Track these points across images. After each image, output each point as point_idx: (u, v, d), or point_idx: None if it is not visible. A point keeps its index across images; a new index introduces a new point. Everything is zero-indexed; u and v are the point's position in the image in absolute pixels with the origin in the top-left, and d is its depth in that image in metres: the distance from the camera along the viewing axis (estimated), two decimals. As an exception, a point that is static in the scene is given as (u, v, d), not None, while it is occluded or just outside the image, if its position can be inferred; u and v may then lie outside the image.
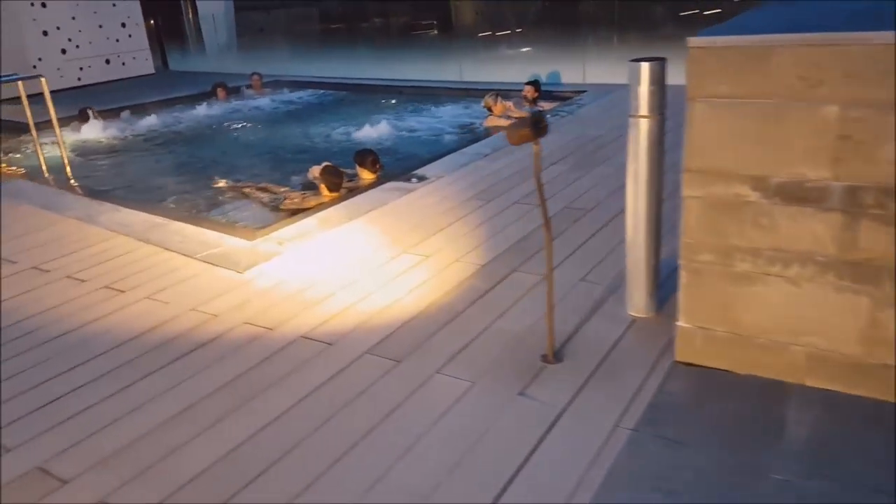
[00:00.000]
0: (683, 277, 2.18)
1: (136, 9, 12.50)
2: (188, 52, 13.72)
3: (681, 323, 2.21)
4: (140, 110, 8.67)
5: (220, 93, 9.45)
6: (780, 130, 1.96)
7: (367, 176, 5.12)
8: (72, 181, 5.45)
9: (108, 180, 5.90)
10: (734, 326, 2.14)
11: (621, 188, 4.12)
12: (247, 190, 5.36)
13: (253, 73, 10.03)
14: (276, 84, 10.17)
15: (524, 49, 10.72)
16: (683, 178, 2.09)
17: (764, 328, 2.10)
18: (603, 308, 2.65)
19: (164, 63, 13.36)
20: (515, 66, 9.52)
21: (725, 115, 2.02)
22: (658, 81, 2.34)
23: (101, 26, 11.98)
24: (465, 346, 2.45)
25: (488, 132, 6.44)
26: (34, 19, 11.12)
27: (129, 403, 2.26)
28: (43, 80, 5.65)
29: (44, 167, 5.72)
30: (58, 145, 5.68)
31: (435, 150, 5.91)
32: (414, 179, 4.75)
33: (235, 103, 9.20)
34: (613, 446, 1.84)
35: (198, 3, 13.72)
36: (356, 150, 5.42)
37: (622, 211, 3.68)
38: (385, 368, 2.35)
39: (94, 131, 7.63)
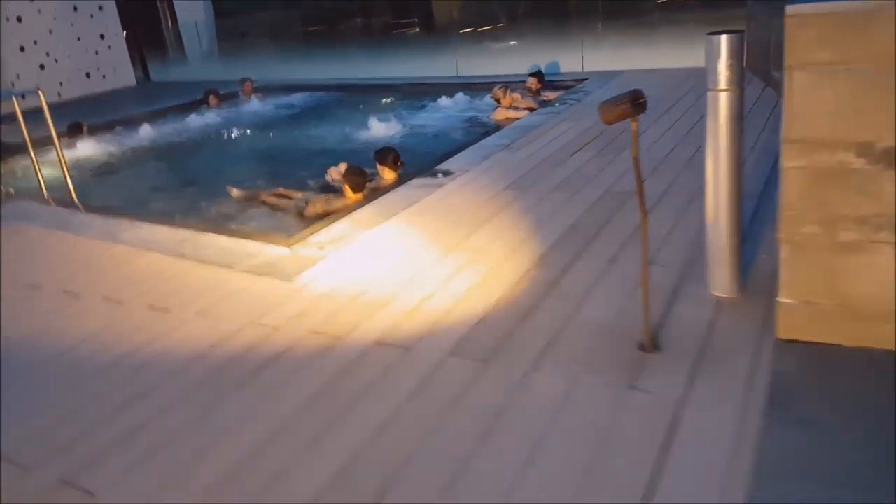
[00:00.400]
0: (784, 252, 2.09)
1: (115, 20, 12.17)
2: (169, 61, 13.40)
3: (782, 299, 2.13)
4: (132, 123, 8.40)
5: (212, 100, 9.22)
6: (883, 95, 1.89)
7: (388, 174, 4.98)
8: (77, 200, 5.23)
9: (114, 196, 5.69)
10: (841, 298, 2.07)
11: (655, 171, 4.12)
12: (264, 197, 5.19)
13: (244, 79, 9.80)
14: (268, 89, 9.95)
15: (513, 42, 10.64)
16: (783, 150, 2.01)
17: (873, 297, 2.03)
18: (683, 291, 2.56)
19: (146, 74, 13.03)
20: (509, 58, 9.43)
21: (827, 83, 1.94)
22: (737, 54, 2.25)
23: (79, 39, 11.65)
24: (552, 341, 2.35)
25: (497, 124, 6.34)
26: (11, 35, 10.75)
27: (215, 429, 2.12)
28: (41, 92, 5.41)
29: (43, 187, 5.49)
30: (54, 163, 5.45)
31: (449, 145, 5.80)
32: (440, 175, 4.63)
33: (229, 110, 8.97)
34: (749, 434, 1.75)
35: (177, 10, 13.40)
36: (367, 149, 5.29)
37: (666, 193, 3.66)
38: (475, 370, 2.24)
39: (88, 147, 7.37)
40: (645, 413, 1.91)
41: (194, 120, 8.43)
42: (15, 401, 2.43)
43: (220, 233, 3.93)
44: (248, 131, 7.85)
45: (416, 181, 4.53)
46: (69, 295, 3.29)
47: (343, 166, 5.25)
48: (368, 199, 4.39)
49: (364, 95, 9.22)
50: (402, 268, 3.13)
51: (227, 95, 9.50)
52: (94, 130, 7.93)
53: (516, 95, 6.74)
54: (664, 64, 7.36)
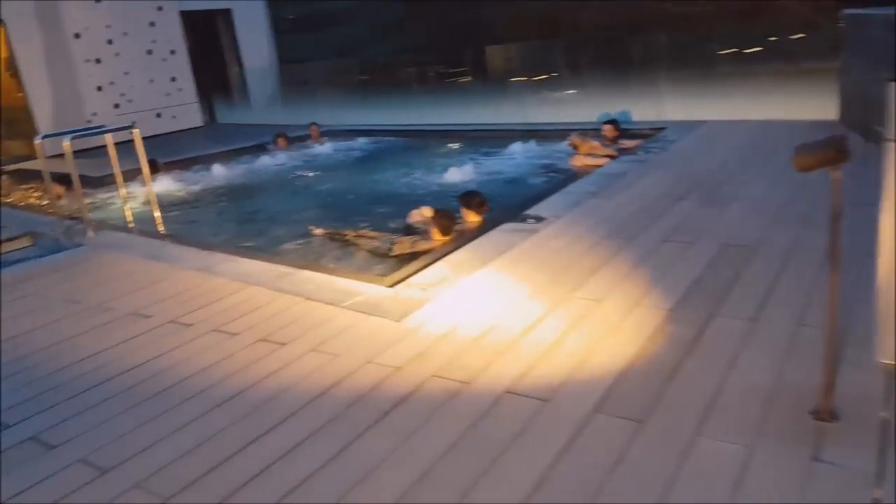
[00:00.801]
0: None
1: (186, 64, 12.71)
2: (234, 105, 13.88)
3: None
4: (205, 162, 8.64)
5: (281, 142, 9.44)
6: None
7: (472, 218, 4.95)
8: (162, 232, 5.32)
9: (197, 231, 5.77)
10: None
11: (773, 224, 3.96)
12: (347, 237, 5.19)
13: (311, 123, 10.05)
14: (332, 133, 10.17)
15: (572, 91, 10.77)
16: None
17: None
18: (845, 356, 2.38)
19: (212, 116, 13.49)
20: (575, 107, 9.49)
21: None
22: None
23: (152, 81, 12.16)
24: (710, 403, 2.19)
25: (577, 171, 6.29)
26: (89, 75, 11.30)
27: (358, 468, 2.02)
28: (136, 131, 5.60)
29: (129, 219, 5.62)
30: (132, 198, 5.57)
31: (528, 190, 5.77)
32: (530, 220, 4.56)
33: (298, 152, 9.17)
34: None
35: (244, 57, 13.97)
36: (441, 193, 5.29)
37: (792, 249, 3.49)
38: (630, 430, 2.10)
39: (164, 184, 7.57)
40: (842, 490, 1.73)
41: (265, 161, 8.62)
42: (141, 427, 2.38)
43: (316, 270, 3.92)
44: (319, 173, 7.98)
45: (506, 226, 4.47)
46: (178, 325, 3.27)
47: (426, 209, 5.26)
48: (455, 242, 4.34)
49: (427, 140, 9.34)
50: (515, 314, 3.04)
51: (294, 138, 9.72)
52: (168, 168, 8.15)
53: (595, 143, 6.71)
54: (742, 116, 7.27)
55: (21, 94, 10.87)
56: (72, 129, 6.59)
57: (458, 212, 4.96)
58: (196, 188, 7.52)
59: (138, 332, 3.24)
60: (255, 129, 11.03)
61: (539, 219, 4.56)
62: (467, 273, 3.62)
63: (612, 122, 7.35)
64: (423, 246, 4.65)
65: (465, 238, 4.41)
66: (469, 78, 16.87)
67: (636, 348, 2.61)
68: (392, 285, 3.57)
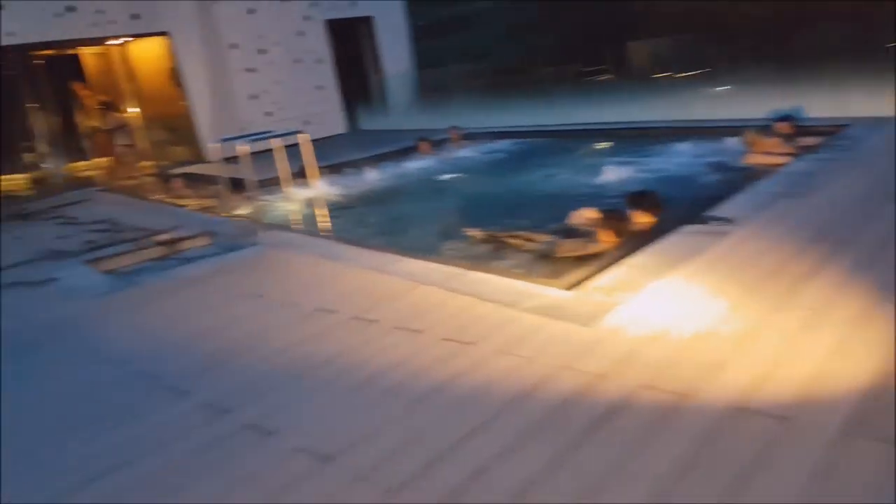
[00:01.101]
0: None
1: (330, 72, 13.42)
2: (373, 111, 14.45)
3: None
4: (355, 166, 9.03)
5: (424, 147, 9.66)
6: None
7: (643, 219, 4.73)
8: (326, 232, 5.60)
9: (354, 232, 6.00)
10: None
11: None
12: (506, 238, 5.17)
13: (451, 127, 10.21)
14: (473, 136, 10.26)
15: (726, 87, 10.11)
16: None
17: None
18: None
19: (354, 122, 14.13)
20: (734, 103, 8.89)
21: None
22: None
23: (300, 89, 12.95)
24: None
25: (753, 171, 5.85)
26: (244, 84, 12.23)
27: (583, 478, 1.95)
28: (303, 136, 5.95)
29: (294, 219, 5.97)
30: (284, 201, 5.90)
31: (702, 192, 5.44)
32: (714, 222, 4.26)
33: (442, 156, 9.34)
34: None
35: (384, 64, 14.53)
36: (599, 193, 5.13)
37: None
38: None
39: (319, 187, 7.98)
40: None
41: (411, 165, 8.86)
42: (353, 418, 2.46)
43: (486, 271, 3.90)
44: (465, 176, 8.06)
45: (688, 229, 4.21)
46: (362, 321, 3.38)
47: (590, 211, 5.11)
48: (628, 245, 4.15)
49: (572, 140, 9.14)
50: (720, 322, 2.83)
51: (436, 142, 9.91)
52: (321, 172, 8.59)
53: (774, 140, 6.21)
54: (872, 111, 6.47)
55: (184, 103, 11.99)
56: (231, 135, 7.18)
57: (623, 213, 4.77)
58: (347, 192, 7.86)
59: (327, 326, 3.38)
60: (396, 135, 11.39)
61: (725, 221, 4.26)
62: (654, 277, 3.44)
63: (788, 117, 6.78)
64: (590, 248, 4.51)
65: (639, 241, 4.21)
66: (609, 75, 16.45)
67: (881, 364, 2.31)
68: (570, 288, 3.47)
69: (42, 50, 10.76)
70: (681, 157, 7.21)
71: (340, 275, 4.20)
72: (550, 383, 2.52)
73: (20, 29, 9.58)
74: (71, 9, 10.08)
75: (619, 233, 4.51)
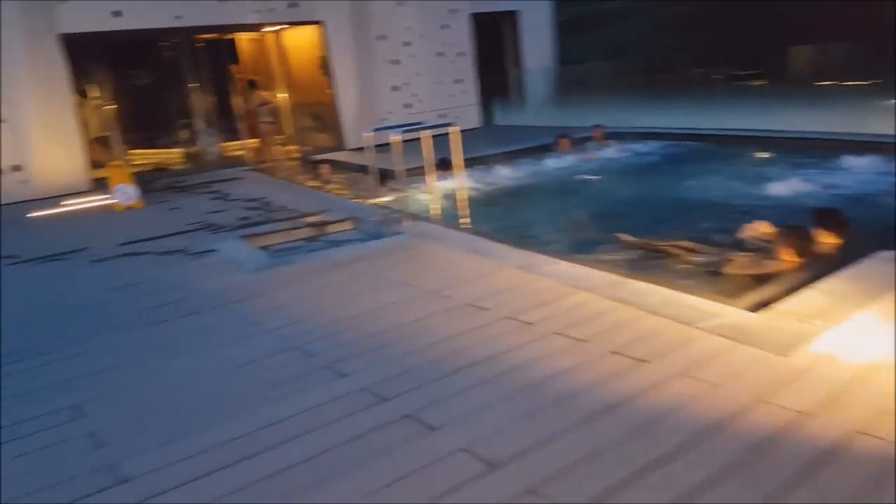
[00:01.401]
0: None
1: (471, 65, 13.46)
2: (509, 106, 14.34)
3: None
4: (490, 162, 8.94)
5: (564, 144, 9.41)
6: None
7: (828, 239, 4.25)
8: (467, 226, 5.54)
9: (500, 228, 5.90)
10: None
11: None
12: (664, 248, 4.85)
13: (595, 125, 9.88)
14: (618, 135, 9.86)
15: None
16: None
17: None
18: None
19: (489, 117, 14.10)
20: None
21: None
22: None
23: (439, 82, 13.09)
24: None
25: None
26: (388, 75, 12.51)
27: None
28: (454, 128, 5.93)
29: (435, 211, 5.97)
30: (427, 192, 5.88)
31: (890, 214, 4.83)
32: (918, 250, 3.73)
33: (583, 155, 9.05)
34: None
35: (525, 58, 14.37)
36: (767, 207, 4.67)
37: None
38: None
39: (456, 181, 7.96)
40: None
41: (551, 163, 8.65)
42: (520, 423, 2.35)
43: (652, 281, 3.65)
44: (611, 177, 7.74)
45: (884, 255, 3.71)
46: (517, 321, 3.27)
47: (764, 225, 4.70)
48: (815, 267, 3.72)
49: (728, 147, 8.54)
50: (954, 367, 2.42)
51: (577, 141, 9.62)
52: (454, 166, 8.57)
53: None
54: None
55: (330, 91, 12.46)
56: (381, 125, 7.31)
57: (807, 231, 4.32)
58: (485, 187, 7.80)
59: (480, 322, 3.29)
60: (533, 131, 11.20)
61: (932, 248, 3.73)
62: (857, 307, 3.04)
63: None
64: (767, 267, 4.11)
65: (826, 263, 3.78)
66: (764, 81, 15.28)
67: None
68: (754, 309, 3.15)
69: (205, 34, 11.59)
70: (859, 174, 6.50)
71: (491, 272, 4.10)
72: (745, 417, 2.26)
73: (187, 12, 10.35)
74: (236, -5, 10.77)
75: (801, 252, 4.08)
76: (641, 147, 9.25)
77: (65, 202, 8.44)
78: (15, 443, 2.61)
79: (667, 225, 5.54)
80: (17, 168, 9.35)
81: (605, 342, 2.94)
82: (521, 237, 5.42)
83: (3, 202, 9.04)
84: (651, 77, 15.99)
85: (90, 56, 10.90)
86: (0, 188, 9.16)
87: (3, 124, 9.15)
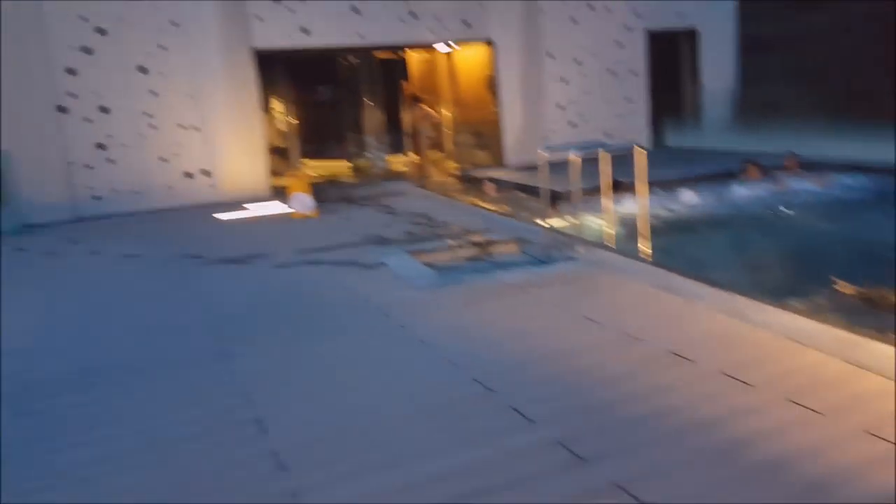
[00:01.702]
0: None
1: (644, 85, 12.84)
2: (683, 127, 13.49)
3: None
4: (666, 187, 8.33)
5: (753, 172, 8.57)
6: None
7: None
8: (648, 256, 5.09)
9: (686, 262, 5.37)
10: None
11: None
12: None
13: (788, 153, 8.92)
14: (814, 165, 8.81)
15: None
16: None
17: None
18: None
19: (658, 138, 13.36)
20: None
21: None
22: None
23: (608, 101, 12.60)
24: None
25: None
26: (555, 93, 12.24)
27: None
28: (638, 149, 5.55)
29: (610, 238, 5.58)
30: (599, 216, 5.49)
31: None
32: None
33: (777, 185, 8.18)
34: None
35: (704, 77, 13.49)
36: None
37: None
38: None
39: (629, 206, 7.49)
40: None
41: (739, 192, 7.89)
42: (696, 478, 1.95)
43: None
44: (812, 212, 6.87)
45: None
46: (732, 380, 2.83)
47: None
48: None
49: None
50: None
51: (765, 169, 8.72)
52: (631, 189, 8.09)
53: None
54: None
55: (494, 109, 12.42)
56: (556, 144, 7.06)
57: None
58: (664, 214, 7.24)
59: (685, 377, 2.90)
60: (710, 156, 10.37)
61: None
62: None
63: None
64: None
65: None
66: None
67: None
68: None
69: (382, 51, 12.03)
70: None
71: (689, 314, 3.66)
72: None
73: (370, 30, 10.78)
74: (414, 15, 11.07)
75: None
76: (842, 180, 8.18)
77: (246, 207, 9.04)
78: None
79: (887, 271, 4.73)
80: (206, 173, 10.20)
81: (855, 421, 2.42)
82: (712, 273, 4.88)
83: (192, 203, 9.89)
84: (849, 102, 14.33)
85: (275, 70, 11.74)
86: (191, 190, 10.03)
87: (197, 133, 10.04)
